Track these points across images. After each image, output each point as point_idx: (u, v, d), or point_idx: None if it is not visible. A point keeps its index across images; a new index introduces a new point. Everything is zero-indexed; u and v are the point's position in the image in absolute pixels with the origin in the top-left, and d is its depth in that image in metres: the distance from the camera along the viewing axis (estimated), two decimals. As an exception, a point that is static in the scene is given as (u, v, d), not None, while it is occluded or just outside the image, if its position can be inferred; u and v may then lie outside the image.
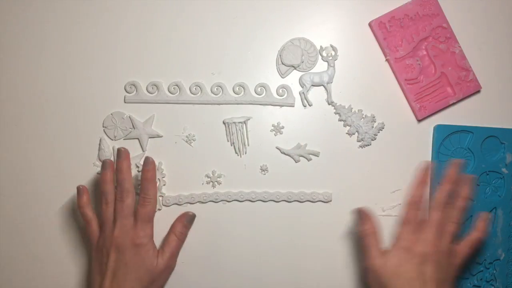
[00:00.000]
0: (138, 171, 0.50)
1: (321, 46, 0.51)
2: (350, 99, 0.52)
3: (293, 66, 0.51)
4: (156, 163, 0.50)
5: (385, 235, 0.52)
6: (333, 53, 0.52)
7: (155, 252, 0.47)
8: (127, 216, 0.45)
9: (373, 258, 0.46)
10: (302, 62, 0.51)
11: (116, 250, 0.45)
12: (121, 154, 0.47)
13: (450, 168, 0.49)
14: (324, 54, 0.52)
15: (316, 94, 0.52)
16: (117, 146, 0.50)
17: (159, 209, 0.50)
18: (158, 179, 0.50)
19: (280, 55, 0.51)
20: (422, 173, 0.49)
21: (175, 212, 0.50)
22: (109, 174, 0.47)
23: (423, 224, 0.46)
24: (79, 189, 0.47)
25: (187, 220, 0.49)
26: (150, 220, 0.47)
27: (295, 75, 0.52)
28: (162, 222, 0.50)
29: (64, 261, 0.50)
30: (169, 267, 0.48)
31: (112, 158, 0.50)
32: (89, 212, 0.47)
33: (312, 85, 0.51)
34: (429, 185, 0.49)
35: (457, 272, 0.47)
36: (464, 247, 0.47)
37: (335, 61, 0.52)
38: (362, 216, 0.48)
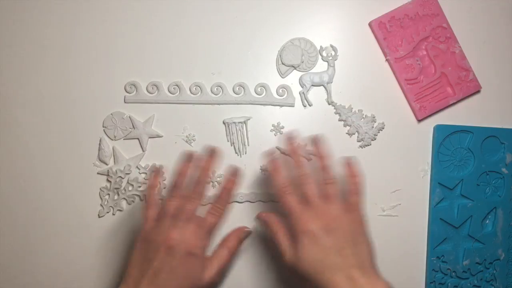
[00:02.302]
0: (139, 173, 0.50)
1: (321, 46, 0.51)
2: (350, 99, 0.52)
3: (293, 66, 0.51)
4: (157, 165, 0.50)
5: (386, 235, 0.52)
6: (333, 53, 0.52)
7: (204, 265, 0.42)
8: (190, 220, 0.42)
9: (285, 256, 0.42)
10: (302, 62, 0.51)
11: (166, 250, 0.40)
12: (213, 153, 0.44)
13: (287, 144, 0.46)
14: (324, 54, 0.51)
15: (316, 94, 0.52)
16: (117, 146, 0.50)
17: (223, 218, 0.49)
18: (159, 181, 0.50)
19: (280, 55, 0.51)
20: (271, 163, 0.45)
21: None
22: (189, 168, 0.44)
23: (304, 202, 0.43)
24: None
25: (243, 236, 0.46)
26: (212, 232, 0.43)
27: (295, 75, 0.52)
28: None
29: (65, 260, 0.50)
30: (214, 283, 0.44)
31: (112, 160, 0.50)
32: (156, 196, 0.44)
33: (312, 85, 0.51)
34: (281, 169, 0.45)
35: (363, 224, 0.43)
36: (350, 197, 0.43)
37: (335, 61, 0.52)
38: (264, 220, 0.45)
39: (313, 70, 0.52)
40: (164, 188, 0.50)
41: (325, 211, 0.42)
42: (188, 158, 0.44)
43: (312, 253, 0.40)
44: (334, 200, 0.43)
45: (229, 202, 0.45)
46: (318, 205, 0.42)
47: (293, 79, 0.52)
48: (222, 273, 0.45)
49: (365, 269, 0.40)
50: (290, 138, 0.46)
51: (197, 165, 0.44)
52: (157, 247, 0.41)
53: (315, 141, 0.45)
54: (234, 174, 0.45)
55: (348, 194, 0.44)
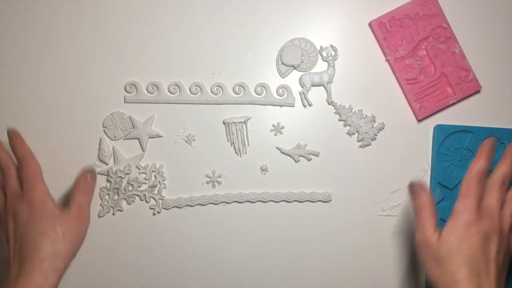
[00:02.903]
0: (139, 173, 0.50)
1: (321, 46, 0.51)
2: (350, 99, 0.52)
3: (293, 66, 0.51)
4: (157, 166, 0.50)
5: (386, 235, 0.52)
6: (333, 53, 0.52)
7: (52, 204, 0.43)
8: (12, 184, 0.44)
9: (427, 232, 0.41)
10: (302, 62, 0.51)
11: (12, 218, 0.43)
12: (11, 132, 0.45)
13: (509, 148, 0.44)
14: (324, 54, 0.51)
15: (316, 94, 0.52)
16: (117, 146, 0.50)
17: (159, 212, 0.50)
18: (158, 182, 0.50)
19: (280, 55, 0.51)
20: (488, 148, 0.43)
21: (175, 215, 0.50)
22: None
23: (484, 201, 0.41)
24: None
25: (88, 172, 0.47)
26: (34, 176, 0.43)
27: (295, 75, 0.52)
28: (163, 225, 0.50)
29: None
30: (79, 218, 0.44)
31: (112, 160, 0.50)
32: None
33: (312, 85, 0.51)
34: (491, 162, 0.43)
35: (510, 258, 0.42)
36: (508, 215, 0.42)
37: (335, 61, 0.52)
38: (415, 190, 0.44)
39: (313, 70, 0.52)
40: (165, 188, 0.50)
41: (498, 220, 0.40)
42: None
43: (464, 245, 0.39)
44: (509, 219, 0.41)
45: (23, 146, 0.45)
46: (494, 211, 0.41)
47: (293, 79, 0.52)
48: (84, 209, 0.45)
49: None
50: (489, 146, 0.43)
51: None
52: (6, 224, 0.43)
53: None
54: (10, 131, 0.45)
55: None
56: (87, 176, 0.47)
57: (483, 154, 0.42)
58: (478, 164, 0.42)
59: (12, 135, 0.45)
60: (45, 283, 0.40)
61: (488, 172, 0.42)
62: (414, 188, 0.44)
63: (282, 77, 0.51)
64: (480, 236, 0.39)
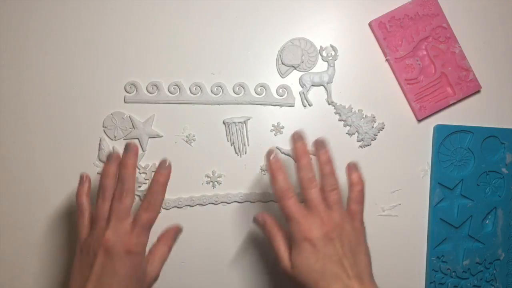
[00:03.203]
0: (139, 173, 0.50)
1: (321, 46, 0.51)
2: (350, 99, 0.52)
3: (293, 66, 0.51)
4: (157, 165, 0.50)
5: (386, 235, 0.52)
6: (333, 53, 0.52)
7: (146, 261, 0.42)
8: (123, 218, 0.41)
9: (282, 262, 0.41)
10: (302, 62, 0.51)
11: (105, 253, 0.40)
12: (130, 149, 0.42)
13: (295, 142, 0.43)
14: (324, 54, 0.51)
15: (316, 94, 0.52)
16: (117, 146, 0.50)
17: (159, 212, 0.50)
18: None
19: (280, 55, 0.51)
20: (273, 163, 0.43)
21: (175, 215, 0.50)
22: (112, 168, 0.42)
23: (305, 207, 0.42)
24: (82, 177, 0.44)
25: (177, 232, 0.46)
26: (149, 228, 0.42)
27: (295, 75, 0.52)
28: (162, 225, 0.50)
29: (66, 260, 0.50)
30: (157, 276, 0.44)
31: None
32: (86, 202, 0.43)
33: (312, 85, 0.51)
34: (284, 169, 0.43)
35: (363, 233, 0.43)
36: (353, 206, 0.43)
37: (335, 61, 0.52)
38: (260, 222, 0.44)
39: (313, 70, 0.52)
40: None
41: (327, 219, 0.40)
42: (110, 158, 0.43)
43: (311, 261, 0.40)
44: (336, 208, 0.41)
45: (162, 195, 0.42)
46: (320, 211, 0.41)
47: (293, 79, 0.52)
48: (162, 267, 0.44)
49: (363, 280, 0.40)
50: (298, 138, 0.43)
51: (119, 164, 0.42)
52: (95, 252, 0.40)
53: (318, 144, 0.43)
54: (163, 167, 0.42)
55: (350, 202, 0.43)
56: (175, 233, 0.46)
57: (274, 175, 0.42)
58: (276, 185, 0.42)
59: (161, 173, 0.42)
60: None
61: (290, 184, 0.42)
62: (258, 221, 0.45)
63: (282, 77, 0.51)
64: (320, 245, 0.40)
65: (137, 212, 0.42)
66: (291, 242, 0.41)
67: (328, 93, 0.51)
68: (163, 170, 0.42)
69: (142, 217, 0.41)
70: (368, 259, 0.42)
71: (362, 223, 0.43)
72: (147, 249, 0.42)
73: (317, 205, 0.41)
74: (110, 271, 0.39)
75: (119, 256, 0.40)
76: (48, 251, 0.50)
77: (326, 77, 0.51)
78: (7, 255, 0.50)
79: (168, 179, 0.42)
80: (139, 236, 0.41)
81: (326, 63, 0.52)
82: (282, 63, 0.51)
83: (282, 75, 0.51)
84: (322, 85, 0.51)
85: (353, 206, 0.43)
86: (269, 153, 0.43)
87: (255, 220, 0.45)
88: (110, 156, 0.43)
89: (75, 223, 0.49)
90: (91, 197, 0.44)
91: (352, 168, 0.44)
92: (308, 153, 0.43)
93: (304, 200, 0.42)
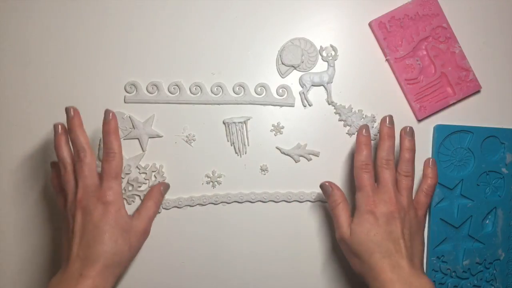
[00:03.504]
0: (139, 173, 0.50)
1: (321, 46, 0.51)
2: (350, 99, 0.52)
3: (293, 66, 0.51)
4: (157, 166, 0.50)
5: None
6: (333, 53, 0.52)
7: (126, 212, 0.44)
8: (89, 176, 0.42)
9: (341, 228, 0.44)
10: (302, 62, 0.51)
11: (82, 212, 0.41)
12: (70, 112, 0.43)
13: (384, 125, 0.47)
14: (324, 54, 0.51)
15: (316, 94, 0.52)
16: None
17: (159, 212, 0.50)
18: (158, 182, 0.50)
19: (280, 55, 0.51)
20: (363, 136, 0.46)
21: (175, 215, 0.50)
22: (63, 138, 0.43)
23: (378, 185, 0.45)
24: (51, 164, 0.46)
25: (163, 188, 0.48)
26: (117, 176, 0.43)
27: (295, 75, 0.52)
28: (163, 225, 0.50)
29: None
30: (146, 232, 0.46)
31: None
32: (57, 184, 0.46)
33: (312, 85, 0.51)
34: (371, 147, 0.47)
35: (424, 225, 0.47)
36: (422, 197, 0.47)
37: (335, 61, 0.52)
38: (327, 189, 0.47)
39: (313, 70, 0.52)
40: (166, 191, 0.50)
41: (394, 200, 0.43)
42: (55, 130, 0.44)
43: (370, 233, 0.42)
44: (405, 193, 0.45)
45: (117, 141, 0.43)
46: (390, 192, 0.44)
47: (293, 79, 0.52)
48: (151, 222, 0.47)
49: (414, 263, 0.42)
50: (390, 121, 0.47)
51: (69, 130, 0.44)
52: (73, 215, 0.42)
53: (406, 131, 0.47)
54: (107, 116, 0.44)
55: (420, 192, 0.47)
56: (161, 188, 0.48)
57: (360, 146, 0.46)
58: (359, 157, 0.45)
59: (107, 121, 0.43)
60: None
61: (371, 161, 0.46)
62: (325, 188, 0.48)
63: (282, 77, 0.51)
64: (383, 221, 0.43)
65: (101, 167, 0.43)
66: (355, 211, 0.45)
67: (328, 93, 0.51)
68: (108, 119, 0.44)
69: (105, 168, 0.43)
70: (423, 249, 0.45)
71: (425, 215, 0.47)
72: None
73: (389, 186, 0.44)
74: (90, 226, 0.41)
75: (95, 209, 0.41)
76: (49, 251, 0.50)
77: (326, 77, 0.51)
78: (7, 256, 0.50)
79: (116, 125, 0.44)
80: (109, 187, 0.42)
81: (326, 63, 0.52)
82: (282, 63, 0.51)
83: (282, 75, 0.51)
84: (322, 85, 0.51)
85: (422, 197, 0.47)
86: (362, 127, 0.46)
87: (322, 186, 0.48)
88: (56, 128, 0.44)
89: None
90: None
91: (430, 163, 0.48)
92: (394, 137, 0.46)
93: (377, 178, 0.45)
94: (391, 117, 0.47)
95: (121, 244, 0.42)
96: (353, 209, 0.46)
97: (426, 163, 0.49)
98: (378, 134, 0.47)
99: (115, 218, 0.42)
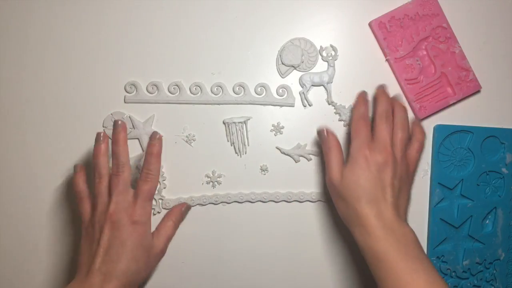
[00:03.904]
0: (139, 173, 0.50)
1: (321, 46, 0.51)
2: (350, 99, 0.52)
3: (293, 66, 0.51)
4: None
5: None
6: (333, 53, 0.52)
7: (151, 233, 0.45)
8: (123, 192, 0.43)
9: (332, 172, 0.45)
10: (302, 62, 0.51)
11: (111, 227, 0.41)
12: (118, 125, 0.44)
13: (378, 88, 0.49)
14: (324, 54, 0.51)
15: (316, 94, 0.52)
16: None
17: (159, 212, 0.50)
18: (158, 182, 0.50)
19: (280, 55, 0.51)
20: (363, 93, 0.49)
21: (175, 212, 0.50)
22: (103, 147, 0.44)
23: (374, 136, 0.45)
24: (76, 167, 0.46)
25: (184, 210, 0.49)
26: (151, 198, 0.44)
27: (295, 75, 0.52)
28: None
29: (66, 260, 0.50)
30: (163, 252, 0.46)
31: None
32: (84, 188, 0.45)
33: (312, 85, 0.51)
34: (369, 104, 0.49)
35: (412, 181, 0.47)
36: (413, 152, 0.47)
37: (335, 61, 0.52)
38: (322, 134, 0.48)
39: (313, 70, 0.52)
40: (165, 188, 0.50)
41: (389, 150, 0.44)
42: (98, 139, 0.45)
43: (361, 178, 0.43)
44: (400, 146, 0.45)
45: (158, 164, 0.45)
46: (385, 142, 0.44)
47: (293, 79, 0.52)
48: (169, 242, 0.47)
49: (399, 212, 0.43)
50: (383, 86, 0.49)
51: (113, 142, 0.44)
52: (101, 227, 0.42)
53: (394, 97, 0.49)
54: (154, 138, 0.45)
55: (411, 148, 0.47)
56: (182, 209, 0.49)
57: (360, 101, 0.48)
58: (359, 109, 0.47)
59: (153, 144, 0.45)
60: None
61: (368, 115, 0.47)
62: (321, 133, 0.48)
63: (282, 77, 0.51)
64: (375, 168, 0.43)
65: (137, 185, 0.43)
66: (348, 157, 0.45)
67: (328, 93, 0.51)
68: (155, 141, 0.45)
69: (142, 188, 0.43)
70: (408, 204, 0.46)
71: (415, 171, 0.48)
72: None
73: (385, 136, 0.45)
74: (117, 243, 0.41)
75: (125, 227, 0.41)
76: (49, 251, 0.50)
77: (326, 77, 0.51)
78: (7, 256, 0.50)
79: (161, 149, 0.45)
80: (142, 207, 0.43)
81: (326, 63, 0.52)
82: (282, 63, 0.51)
83: (282, 75, 0.51)
84: (322, 85, 0.51)
85: (413, 152, 0.47)
86: (361, 92, 0.49)
87: (318, 131, 0.49)
88: (98, 137, 0.44)
89: (77, 224, 0.50)
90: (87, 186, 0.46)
91: (418, 123, 0.49)
92: (389, 96, 0.48)
93: (374, 131, 0.46)
94: (384, 85, 0.49)
95: (142, 264, 0.42)
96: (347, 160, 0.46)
97: (414, 122, 0.49)
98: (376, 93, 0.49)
99: (141, 238, 0.42)
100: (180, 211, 0.49)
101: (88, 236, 0.43)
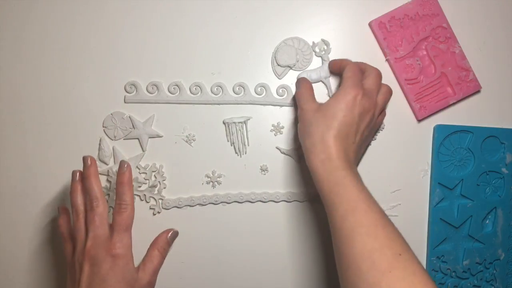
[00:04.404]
0: (139, 173, 0.50)
1: (313, 42, 0.51)
2: (350, 99, 0.52)
3: (289, 66, 0.51)
4: (157, 166, 0.50)
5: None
6: (325, 47, 0.51)
7: (134, 265, 0.43)
8: (100, 226, 0.42)
9: (308, 103, 0.45)
10: (297, 61, 0.51)
11: (90, 263, 0.41)
12: (87, 161, 0.44)
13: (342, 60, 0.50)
14: (317, 49, 0.51)
15: (316, 94, 0.52)
16: (117, 146, 0.50)
17: (159, 212, 0.50)
18: (158, 182, 0.50)
19: (275, 57, 0.51)
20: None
21: (175, 215, 0.50)
22: (78, 185, 0.44)
23: (364, 84, 0.45)
24: (59, 209, 0.46)
25: (170, 237, 0.48)
26: (127, 228, 0.43)
27: (292, 75, 0.51)
28: (162, 225, 0.50)
29: (62, 260, 0.50)
30: (151, 284, 0.45)
31: (112, 160, 0.50)
32: (66, 230, 0.45)
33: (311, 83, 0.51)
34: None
35: (375, 135, 0.50)
36: (380, 96, 0.46)
37: (329, 55, 0.51)
38: (297, 84, 0.49)
39: (309, 68, 0.51)
40: (165, 188, 0.50)
41: (375, 99, 0.44)
42: (72, 177, 0.45)
43: (342, 111, 0.42)
44: (384, 96, 0.46)
45: (130, 193, 0.43)
46: (374, 90, 0.45)
47: (292, 79, 0.51)
48: (156, 274, 0.46)
49: (357, 157, 0.45)
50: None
51: (84, 178, 0.44)
52: (81, 265, 0.41)
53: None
54: (122, 167, 0.44)
55: (380, 97, 0.46)
56: (168, 236, 0.48)
57: (349, 61, 0.48)
58: (352, 62, 0.48)
59: (121, 172, 0.44)
60: None
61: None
62: (297, 84, 0.49)
63: (279, 79, 0.51)
64: (358, 111, 0.42)
65: (113, 218, 0.43)
66: (337, 91, 0.44)
67: (328, 88, 0.51)
68: (123, 170, 0.44)
69: (117, 219, 0.42)
70: (363, 152, 0.49)
71: (382, 122, 0.50)
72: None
73: (376, 85, 0.45)
74: (97, 280, 0.40)
75: (104, 261, 0.40)
76: (49, 251, 0.50)
77: (323, 72, 0.51)
78: (7, 256, 0.50)
79: (131, 176, 0.44)
80: (120, 239, 0.42)
81: (320, 58, 0.51)
82: (278, 65, 0.51)
83: (279, 76, 0.51)
84: (321, 80, 0.51)
85: (380, 97, 0.46)
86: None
87: (298, 80, 0.49)
88: (74, 175, 0.45)
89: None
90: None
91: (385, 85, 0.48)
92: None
93: (366, 77, 0.46)
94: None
95: None
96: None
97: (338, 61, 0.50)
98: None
99: (122, 272, 0.41)
100: (166, 240, 0.47)
101: (70, 276, 0.43)
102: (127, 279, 0.41)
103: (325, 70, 0.51)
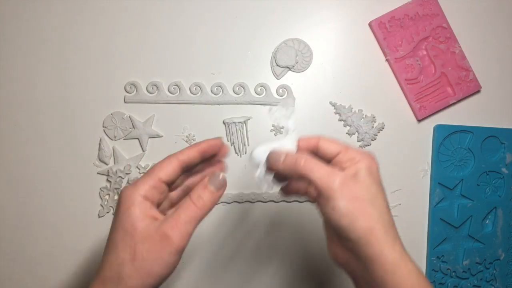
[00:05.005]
0: (139, 173, 0.50)
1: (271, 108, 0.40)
2: (350, 99, 0.52)
3: (288, 67, 0.51)
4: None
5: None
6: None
7: (146, 214, 0.32)
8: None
9: (322, 179, 0.32)
10: (297, 62, 0.51)
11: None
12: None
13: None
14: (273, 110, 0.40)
15: (316, 94, 0.52)
16: (117, 146, 0.50)
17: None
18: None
19: (274, 57, 0.51)
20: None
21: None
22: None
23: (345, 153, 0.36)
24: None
25: (212, 183, 0.33)
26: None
27: (290, 75, 0.51)
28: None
29: (66, 260, 0.50)
30: (181, 246, 0.31)
31: (112, 159, 0.50)
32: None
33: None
34: None
35: None
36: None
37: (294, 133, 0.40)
38: (276, 156, 0.36)
39: (306, 72, 0.51)
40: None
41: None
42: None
43: (373, 191, 0.33)
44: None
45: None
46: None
47: (293, 79, 0.51)
48: (188, 236, 0.31)
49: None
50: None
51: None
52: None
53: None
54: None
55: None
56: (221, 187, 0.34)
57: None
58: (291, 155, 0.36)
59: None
60: None
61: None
62: (273, 156, 0.36)
63: (277, 79, 0.51)
64: (379, 180, 0.35)
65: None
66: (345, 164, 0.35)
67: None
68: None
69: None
70: None
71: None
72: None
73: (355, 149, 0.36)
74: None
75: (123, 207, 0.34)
76: (49, 251, 0.50)
77: (290, 123, 0.39)
78: (6, 256, 0.50)
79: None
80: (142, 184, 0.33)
81: (320, 65, 0.51)
82: (277, 65, 0.51)
83: (278, 76, 0.51)
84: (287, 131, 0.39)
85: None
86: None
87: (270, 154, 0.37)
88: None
89: (77, 224, 0.49)
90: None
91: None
92: None
93: (343, 150, 0.37)
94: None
95: (121, 250, 0.33)
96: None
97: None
98: None
99: (122, 214, 0.35)
100: (204, 186, 0.33)
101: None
102: (124, 227, 0.33)
103: (292, 122, 0.39)
